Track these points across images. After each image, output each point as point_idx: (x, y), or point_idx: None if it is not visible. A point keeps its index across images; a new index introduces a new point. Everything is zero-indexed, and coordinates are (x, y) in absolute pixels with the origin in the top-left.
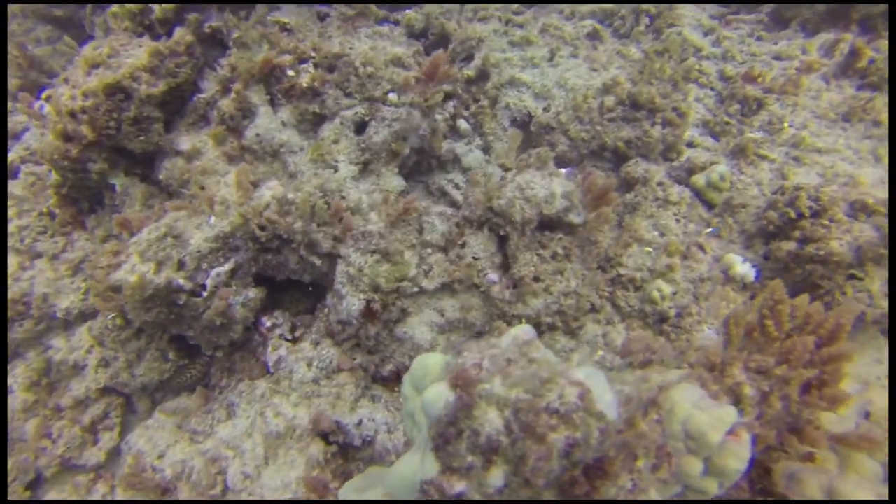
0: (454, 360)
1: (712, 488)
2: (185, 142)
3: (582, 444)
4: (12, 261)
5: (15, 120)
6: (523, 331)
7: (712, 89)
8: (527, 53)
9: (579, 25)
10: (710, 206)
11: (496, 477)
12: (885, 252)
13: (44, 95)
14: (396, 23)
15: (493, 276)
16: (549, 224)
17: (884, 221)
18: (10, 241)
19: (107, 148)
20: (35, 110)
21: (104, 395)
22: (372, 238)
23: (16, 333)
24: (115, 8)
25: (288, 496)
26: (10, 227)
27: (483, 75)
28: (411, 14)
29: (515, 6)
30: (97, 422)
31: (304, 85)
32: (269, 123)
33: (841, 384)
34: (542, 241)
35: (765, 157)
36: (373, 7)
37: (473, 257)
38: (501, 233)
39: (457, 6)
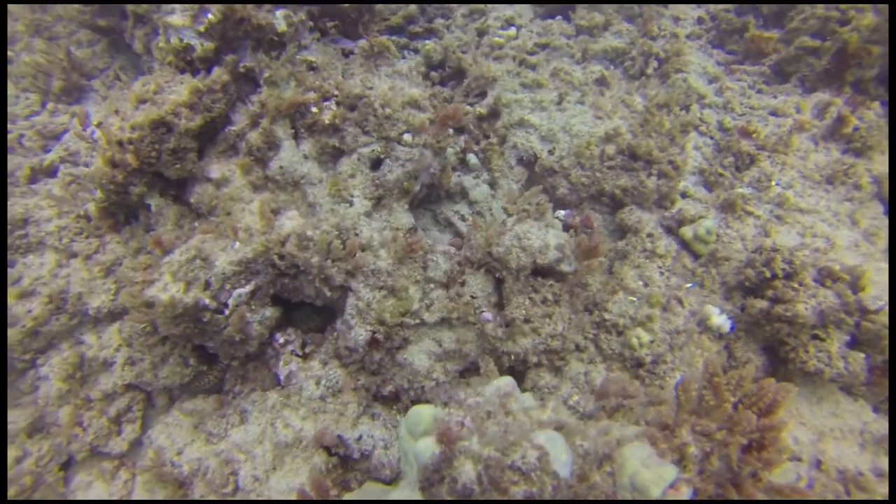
0: (442, 412)
1: None
2: (216, 170)
3: (537, 496)
4: (51, 258)
5: (57, 121)
6: (505, 383)
7: (711, 138)
8: (536, 96)
9: (588, 70)
10: (696, 256)
11: None
12: (845, 316)
13: (95, 122)
14: (416, 51)
15: (488, 314)
16: (542, 271)
17: (845, 289)
18: (50, 241)
19: (147, 174)
20: (87, 133)
21: (128, 391)
22: (380, 275)
23: (52, 326)
24: (162, 43)
25: (293, 499)
26: (50, 227)
27: (494, 113)
28: (430, 45)
29: (531, 45)
30: (122, 414)
31: (326, 121)
32: (292, 156)
33: (779, 445)
34: (534, 286)
35: (751, 213)
36: (392, 48)
37: (472, 296)
38: (498, 276)
39: (474, 39)
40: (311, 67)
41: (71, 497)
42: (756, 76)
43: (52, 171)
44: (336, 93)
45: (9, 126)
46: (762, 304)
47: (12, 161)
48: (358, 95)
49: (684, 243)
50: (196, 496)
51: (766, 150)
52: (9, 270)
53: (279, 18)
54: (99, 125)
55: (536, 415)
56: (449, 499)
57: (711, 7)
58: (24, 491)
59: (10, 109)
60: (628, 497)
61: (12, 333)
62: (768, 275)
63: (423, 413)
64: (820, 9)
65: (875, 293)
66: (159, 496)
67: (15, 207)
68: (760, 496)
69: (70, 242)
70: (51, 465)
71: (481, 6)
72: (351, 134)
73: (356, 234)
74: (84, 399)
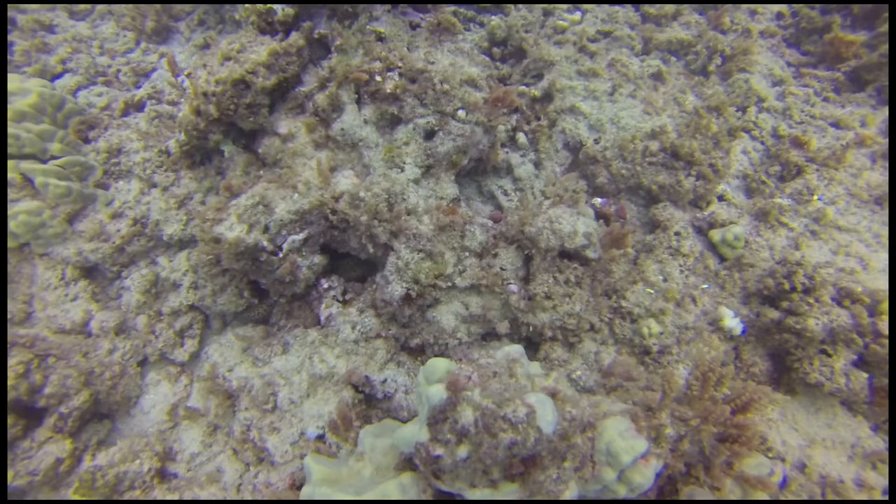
0: (455, 366)
1: (622, 491)
2: (284, 126)
3: (520, 444)
4: (136, 186)
5: (148, 59)
6: (514, 350)
7: (763, 143)
8: (591, 84)
9: (646, 64)
10: (722, 258)
11: (463, 451)
12: (856, 337)
13: (186, 72)
14: (482, 24)
15: (514, 286)
16: (569, 254)
17: (862, 311)
18: (136, 170)
19: (224, 124)
20: (178, 81)
21: (191, 311)
22: (421, 239)
23: (134, 246)
24: (248, 7)
25: (321, 424)
26: (137, 158)
27: (547, 97)
28: (496, 22)
29: (592, 31)
30: (185, 329)
31: (388, 90)
32: (353, 120)
33: (750, 440)
34: (559, 266)
35: (785, 224)
36: (457, 24)
37: (501, 268)
38: (527, 253)
39: (539, 19)
40: (380, 38)
41: (144, 388)
42: (827, 82)
43: (140, 106)
44: (400, 64)
45: (108, 61)
46: (775, 314)
47: (110, 94)
48: (420, 70)
49: (712, 245)
50: (241, 408)
51: (815, 162)
52: (104, 193)
53: None
54: (189, 76)
55: (539, 381)
56: (449, 435)
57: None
58: (114, 376)
59: (110, 46)
60: (603, 459)
61: (106, 247)
62: (787, 287)
63: (439, 364)
64: None
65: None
66: (212, 403)
67: (112, 138)
68: (727, 481)
69: (152, 174)
70: (131, 360)
71: None
72: (409, 105)
73: (403, 200)
74: (156, 312)
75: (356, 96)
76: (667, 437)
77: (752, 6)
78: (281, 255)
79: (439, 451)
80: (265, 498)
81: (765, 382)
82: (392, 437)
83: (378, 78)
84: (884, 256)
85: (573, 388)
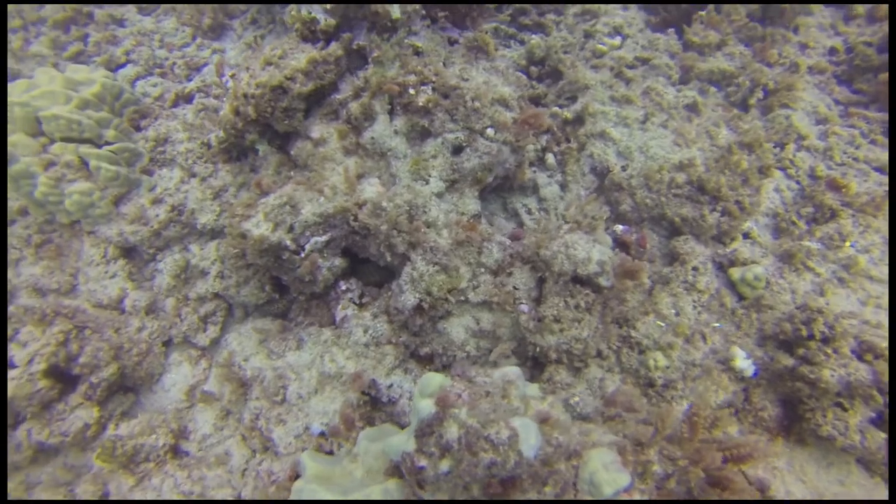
0: (449, 381)
1: None
2: (316, 130)
3: (500, 465)
4: (178, 174)
5: (201, 55)
6: (511, 371)
7: (798, 183)
8: (623, 111)
9: (682, 94)
10: (741, 297)
11: (445, 465)
12: (876, 393)
13: (230, 73)
14: (523, 42)
15: (525, 306)
16: (581, 280)
17: (884, 367)
18: (179, 159)
19: (261, 124)
20: (222, 81)
21: (216, 299)
22: (437, 252)
23: (170, 231)
24: (294, 11)
25: (325, 421)
26: (181, 148)
27: (579, 120)
28: (536, 41)
29: (630, 58)
30: (208, 316)
31: (420, 104)
32: (384, 130)
33: (740, 491)
34: (571, 291)
35: (812, 269)
36: (491, 45)
37: (514, 287)
38: (541, 275)
39: (580, 40)
40: (417, 52)
41: (167, 367)
42: (877, 124)
43: (190, 98)
44: (434, 79)
45: (166, 54)
46: (789, 361)
47: (164, 85)
48: (453, 86)
49: (732, 283)
50: (253, 397)
51: (851, 207)
52: (148, 179)
53: (395, 8)
54: (233, 76)
55: (535, 404)
56: (434, 449)
57: (852, 37)
58: (141, 353)
59: (169, 40)
60: (585, 489)
61: (144, 231)
62: (804, 333)
63: (434, 379)
64: None
65: None
66: (227, 389)
67: (160, 128)
68: None
69: (193, 164)
70: (157, 340)
71: (594, 6)
72: (440, 119)
73: (424, 212)
74: (184, 296)
75: (389, 107)
76: (653, 474)
77: (805, 39)
78: (303, 254)
79: (423, 462)
80: (266, 485)
81: (774, 428)
82: (384, 442)
83: (412, 91)
84: None
85: (568, 414)
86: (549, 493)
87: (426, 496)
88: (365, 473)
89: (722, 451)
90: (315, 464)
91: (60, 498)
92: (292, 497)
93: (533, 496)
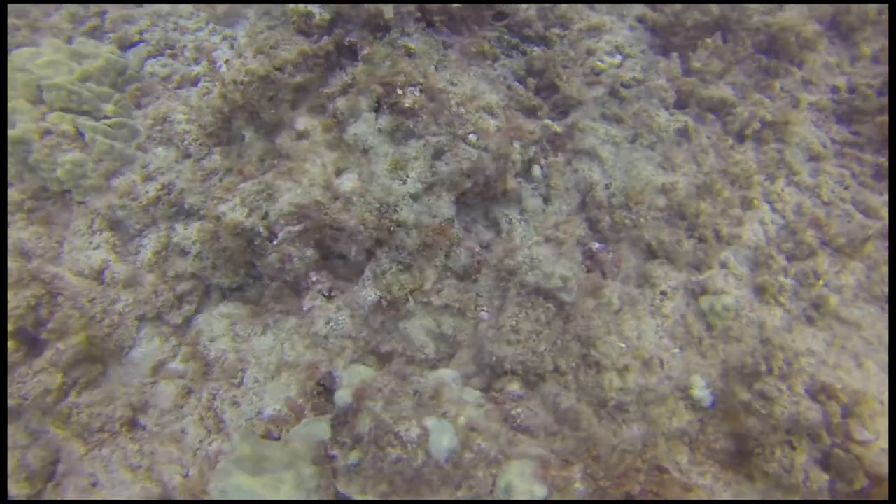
0: (374, 375)
1: None
2: (302, 122)
3: (405, 462)
4: (173, 154)
5: (212, 40)
6: (448, 374)
7: (783, 217)
8: (612, 130)
9: (674, 118)
10: (710, 327)
11: (354, 457)
12: (824, 434)
13: (223, 59)
14: (525, 53)
15: (486, 314)
16: (544, 293)
17: (836, 409)
18: (176, 139)
19: (248, 112)
20: (215, 67)
21: (193, 279)
22: (403, 251)
23: (158, 208)
24: (291, 7)
25: (278, 407)
26: (179, 129)
27: (568, 134)
28: (537, 53)
29: (628, 77)
30: (185, 295)
31: (406, 104)
32: (368, 128)
33: None
34: (533, 303)
35: (782, 304)
36: (486, 50)
37: (478, 294)
38: (504, 284)
39: (581, 56)
40: (409, 53)
41: (138, 341)
42: (869, 166)
43: (195, 81)
44: (422, 81)
45: (178, 37)
46: (745, 395)
47: (173, 67)
48: (440, 90)
49: (701, 312)
50: (213, 378)
51: (829, 246)
52: (143, 155)
53: (388, 8)
54: (227, 62)
55: (470, 410)
56: (345, 439)
57: (856, 77)
58: (112, 325)
59: (184, 23)
60: (501, 497)
61: (133, 205)
62: (763, 368)
63: (360, 371)
64: None
65: (871, 425)
66: (191, 368)
67: (161, 107)
68: None
69: (188, 145)
70: (131, 313)
71: (600, 23)
72: (424, 121)
73: (395, 211)
74: (163, 273)
75: (376, 105)
76: (574, 490)
77: (808, 75)
78: (275, 242)
79: (335, 451)
80: (211, 465)
81: (726, 461)
82: (308, 428)
83: (399, 91)
84: (883, 357)
85: (506, 424)
86: (461, 496)
87: (340, 486)
88: (292, 458)
89: (643, 485)
90: (247, 444)
91: (16, 461)
92: (214, 475)
93: (443, 496)
